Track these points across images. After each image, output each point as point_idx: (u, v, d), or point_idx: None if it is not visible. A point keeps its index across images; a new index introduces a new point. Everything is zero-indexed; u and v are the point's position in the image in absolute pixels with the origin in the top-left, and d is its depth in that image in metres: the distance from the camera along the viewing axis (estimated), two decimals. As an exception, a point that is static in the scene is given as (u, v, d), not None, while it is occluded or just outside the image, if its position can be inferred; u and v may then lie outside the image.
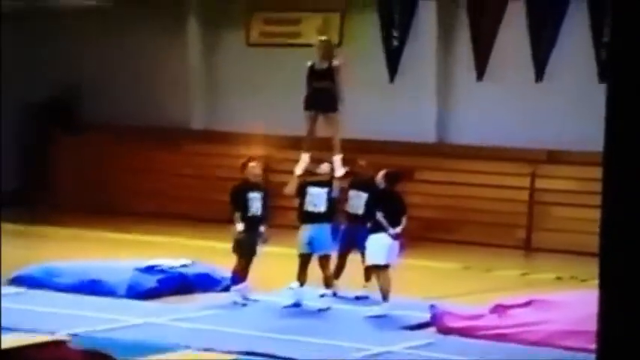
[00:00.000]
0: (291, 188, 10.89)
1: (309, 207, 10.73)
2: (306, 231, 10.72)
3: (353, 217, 11.14)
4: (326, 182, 10.78)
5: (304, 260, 10.72)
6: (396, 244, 10.35)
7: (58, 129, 20.48)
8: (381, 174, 10.59)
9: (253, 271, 10.86)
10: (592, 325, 8.92)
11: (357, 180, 11.26)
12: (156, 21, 20.09)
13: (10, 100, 18.84)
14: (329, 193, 10.70)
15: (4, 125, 19.28)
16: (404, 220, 10.42)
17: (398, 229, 10.30)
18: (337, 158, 10.74)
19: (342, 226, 11.27)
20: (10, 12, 18.43)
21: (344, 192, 11.20)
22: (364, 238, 10.55)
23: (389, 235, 10.25)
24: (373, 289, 10.66)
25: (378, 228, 10.29)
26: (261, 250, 10.83)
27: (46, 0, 19.03)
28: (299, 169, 10.88)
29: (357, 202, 11.15)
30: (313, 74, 10.81)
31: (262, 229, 10.80)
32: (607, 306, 4.16)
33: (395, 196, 10.56)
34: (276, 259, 11.34)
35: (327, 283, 10.92)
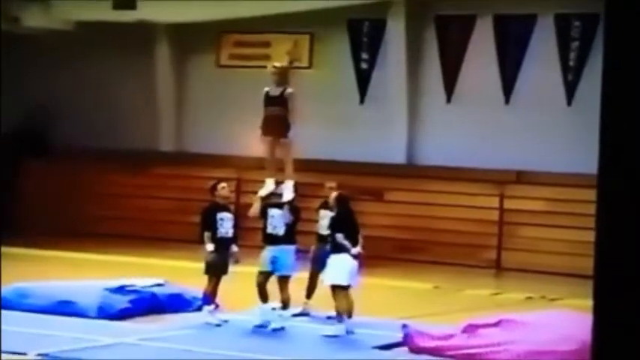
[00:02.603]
0: (254, 210, 10.98)
1: (269, 229, 10.82)
2: (268, 252, 10.78)
3: (322, 238, 11.20)
4: (284, 204, 10.84)
5: (264, 278, 10.73)
6: (356, 264, 10.47)
7: (26, 154, 20.38)
8: (332, 198, 10.73)
9: (225, 292, 10.87)
10: (561, 345, 9.07)
11: (326, 201, 11.33)
12: (124, 43, 20.09)
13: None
14: (284, 217, 10.76)
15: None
16: (360, 239, 10.55)
17: (359, 248, 10.44)
18: (288, 183, 10.83)
19: (313, 247, 11.33)
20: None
21: (314, 213, 11.26)
22: None
23: (350, 255, 10.36)
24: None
25: (339, 249, 10.40)
26: (231, 269, 10.86)
27: (14, 24, 18.97)
28: (263, 192, 10.96)
29: (326, 222, 11.21)
30: (267, 100, 10.92)
31: (235, 248, 10.84)
32: (601, 328, 4.20)
33: (349, 216, 10.68)
34: (247, 279, 11.34)
35: (285, 304, 10.89)
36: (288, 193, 10.80)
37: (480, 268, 16.79)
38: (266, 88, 11.00)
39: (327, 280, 10.56)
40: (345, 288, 10.41)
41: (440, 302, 13.31)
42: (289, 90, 10.89)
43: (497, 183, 17.28)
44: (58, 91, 20.61)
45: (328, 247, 10.57)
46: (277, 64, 11.36)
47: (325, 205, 11.27)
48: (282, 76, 11.00)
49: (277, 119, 10.81)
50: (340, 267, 10.38)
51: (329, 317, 11.00)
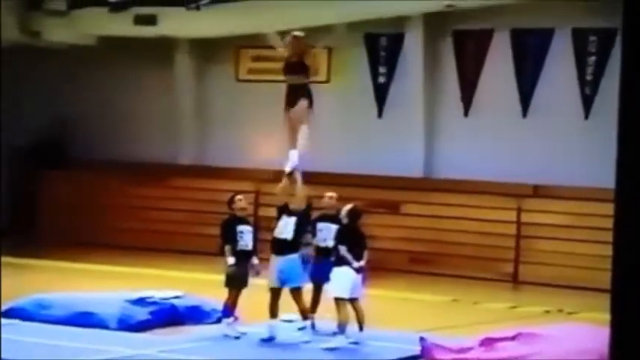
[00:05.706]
0: (281, 187, 10.97)
1: (277, 233, 10.82)
2: (276, 263, 10.76)
3: (320, 250, 11.16)
4: (297, 212, 10.86)
5: (274, 294, 10.79)
6: (359, 277, 10.53)
7: (46, 166, 20.53)
8: (345, 210, 10.78)
9: (244, 304, 10.93)
10: (579, 359, 9.05)
11: (324, 213, 11.35)
12: (144, 57, 20.23)
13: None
14: (296, 222, 10.77)
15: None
16: (365, 254, 10.62)
17: (362, 263, 10.51)
18: (297, 152, 10.87)
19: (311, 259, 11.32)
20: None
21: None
22: None
23: (352, 268, 10.43)
24: (352, 322, 10.69)
25: (341, 262, 10.48)
26: (250, 282, 10.91)
27: (36, 39, 19.14)
28: (288, 167, 10.98)
29: (325, 235, 11.24)
30: (288, 68, 11.11)
31: (255, 261, 10.90)
32: (618, 341, 4.22)
33: (358, 231, 10.75)
34: (266, 292, 11.39)
35: (304, 314, 10.96)
36: (293, 159, 10.85)
37: (497, 282, 16.78)
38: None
39: (330, 292, 10.65)
40: (347, 300, 10.48)
41: (457, 315, 13.31)
42: (309, 60, 11.06)
43: (514, 196, 17.28)
44: (78, 104, 20.77)
45: (332, 259, 10.61)
46: (296, 34, 11.49)
47: (324, 218, 11.27)
48: (299, 46, 11.17)
49: (298, 88, 10.91)
50: (342, 280, 10.46)
51: (334, 333, 11.00)
